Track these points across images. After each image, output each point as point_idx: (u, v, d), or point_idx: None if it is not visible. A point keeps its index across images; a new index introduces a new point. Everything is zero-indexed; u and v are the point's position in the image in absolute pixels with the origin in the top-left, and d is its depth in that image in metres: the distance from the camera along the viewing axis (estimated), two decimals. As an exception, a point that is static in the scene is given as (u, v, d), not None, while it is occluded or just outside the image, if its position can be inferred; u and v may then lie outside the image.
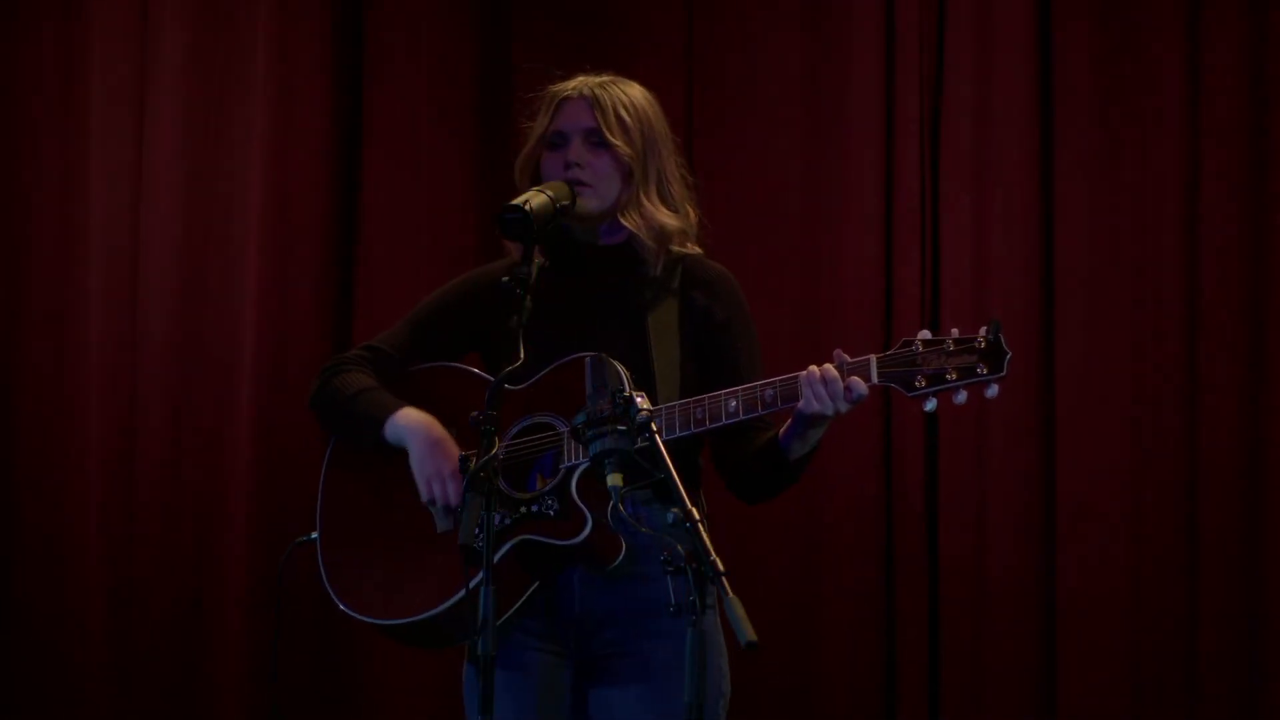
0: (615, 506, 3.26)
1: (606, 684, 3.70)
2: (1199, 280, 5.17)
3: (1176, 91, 5.19)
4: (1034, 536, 5.24)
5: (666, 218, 3.79)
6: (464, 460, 3.69)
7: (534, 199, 3.66)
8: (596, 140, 3.79)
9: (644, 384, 3.48)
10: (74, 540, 5.53)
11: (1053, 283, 5.27)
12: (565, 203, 3.71)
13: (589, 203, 3.78)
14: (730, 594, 3.07)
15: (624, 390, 3.30)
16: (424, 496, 3.71)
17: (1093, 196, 5.26)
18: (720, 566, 3.12)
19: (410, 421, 3.75)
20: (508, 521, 3.62)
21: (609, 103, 3.79)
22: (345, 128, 5.58)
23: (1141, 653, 5.16)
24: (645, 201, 3.79)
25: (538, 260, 3.65)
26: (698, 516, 3.16)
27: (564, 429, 3.67)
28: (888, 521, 5.33)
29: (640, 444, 3.25)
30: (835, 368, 3.56)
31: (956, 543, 5.27)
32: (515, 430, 3.70)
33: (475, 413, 3.47)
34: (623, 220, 3.79)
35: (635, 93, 3.84)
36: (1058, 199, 5.28)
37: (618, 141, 3.78)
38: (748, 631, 3.03)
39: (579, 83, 3.83)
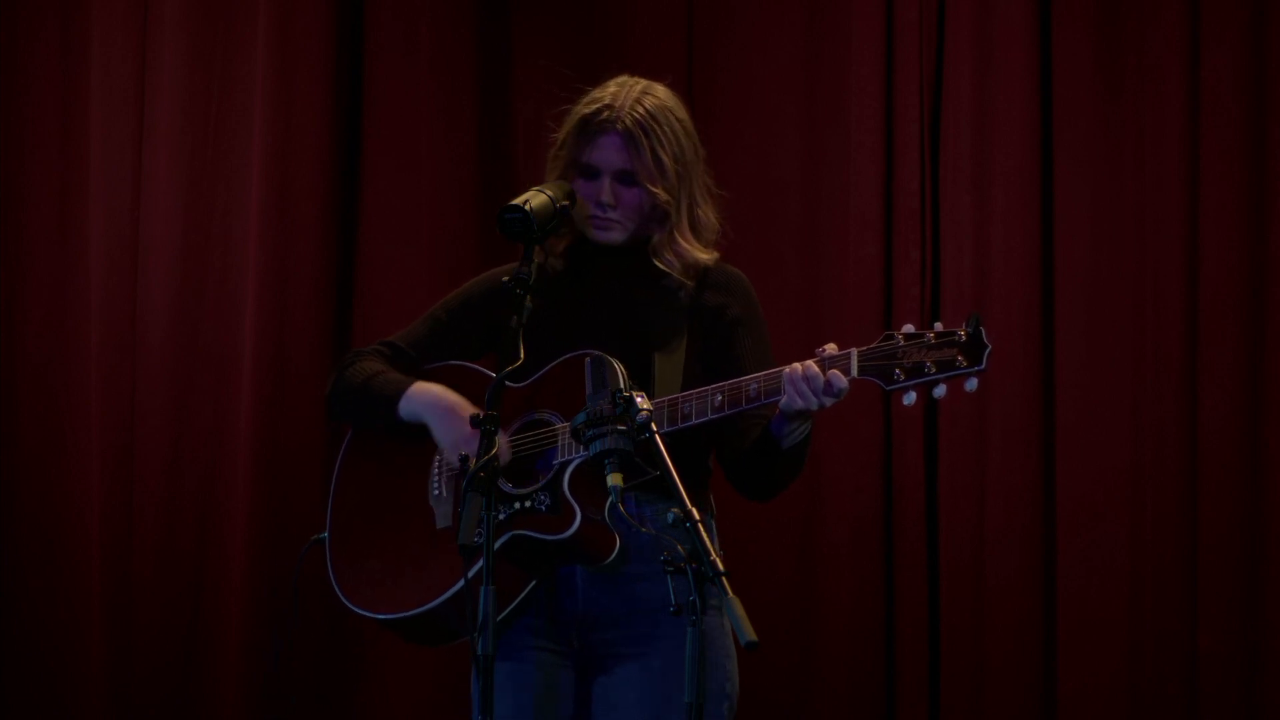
0: (615, 505, 3.27)
1: (608, 684, 3.70)
2: (1199, 281, 5.17)
3: (1176, 91, 5.19)
4: (1034, 537, 5.23)
5: (701, 253, 3.79)
6: (464, 460, 3.69)
7: (534, 199, 3.67)
8: (630, 181, 3.77)
9: (642, 385, 3.49)
10: (74, 540, 5.53)
11: (1053, 283, 5.27)
12: (565, 203, 3.71)
13: (615, 236, 3.78)
14: (730, 594, 3.08)
15: (624, 390, 3.31)
16: (455, 461, 3.69)
17: (1093, 196, 5.25)
18: (720, 566, 3.12)
19: (422, 394, 3.75)
20: (501, 517, 3.62)
21: (645, 144, 3.73)
22: (345, 127, 5.58)
23: (1141, 653, 5.16)
24: (680, 240, 3.79)
25: (538, 260, 3.66)
26: (698, 516, 3.16)
27: (561, 425, 3.67)
28: (887, 523, 5.33)
29: (641, 439, 3.26)
30: (816, 363, 3.56)
31: (956, 544, 5.27)
32: (515, 427, 3.71)
33: (475, 412, 3.48)
34: (656, 262, 3.78)
35: (670, 116, 3.77)
36: (1058, 199, 5.28)
37: (656, 189, 3.75)
38: (748, 631, 3.04)
39: (612, 107, 3.75)
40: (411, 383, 3.78)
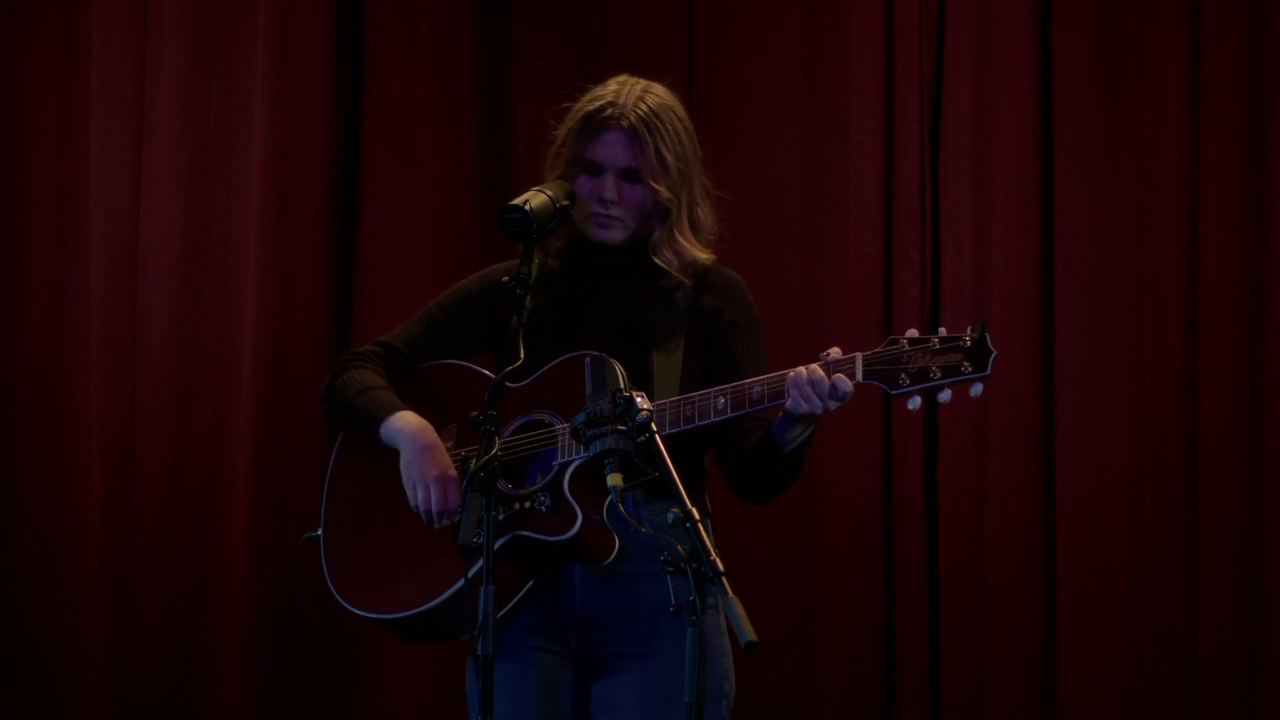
0: (614, 505, 3.27)
1: (608, 683, 3.71)
2: (1199, 281, 5.17)
3: (1176, 91, 5.19)
4: (1034, 537, 5.23)
5: (700, 252, 3.80)
6: (464, 460, 3.70)
7: (534, 199, 3.67)
8: (633, 178, 3.78)
9: (641, 385, 3.49)
10: (74, 540, 5.53)
11: (1053, 283, 5.27)
12: (565, 203, 3.71)
13: (615, 235, 3.78)
14: (730, 594, 3.08)
15: (624, 390, 3.31)
16: (411, 502, 3.71)
17: (1093, 196, 5.25)
18: (720, 566, 3.12)
19: (403, 426, 3.74)
20: (500, 517, 3.62)
21: (650, 141, 3.74)
22: (345, 127, 5.58)
23: (1141, 653, 5.16)
24: (679, 237, 3.79)
25: (538, 260, 3.66)
26: (697, 516, 3.17)
27: (561, 426, 3.67)
28: (887, 523, 5.33)
29: (641, 440, 3.26)
30: (821, 367, 3.57)
31: (956, 544, 5.27)
32: (513, 428, 3.71)
33: (475, 412, 3.48)
34: (656, 259, 3.79)
35: (672, 114, 3.78)
36: (1058, 199, 5.28)
37: (659, 186, 3.76)
38: (748, 631, 3.04)
39: (616, 104, 3.76)
40: (395, 410, 3.77)
